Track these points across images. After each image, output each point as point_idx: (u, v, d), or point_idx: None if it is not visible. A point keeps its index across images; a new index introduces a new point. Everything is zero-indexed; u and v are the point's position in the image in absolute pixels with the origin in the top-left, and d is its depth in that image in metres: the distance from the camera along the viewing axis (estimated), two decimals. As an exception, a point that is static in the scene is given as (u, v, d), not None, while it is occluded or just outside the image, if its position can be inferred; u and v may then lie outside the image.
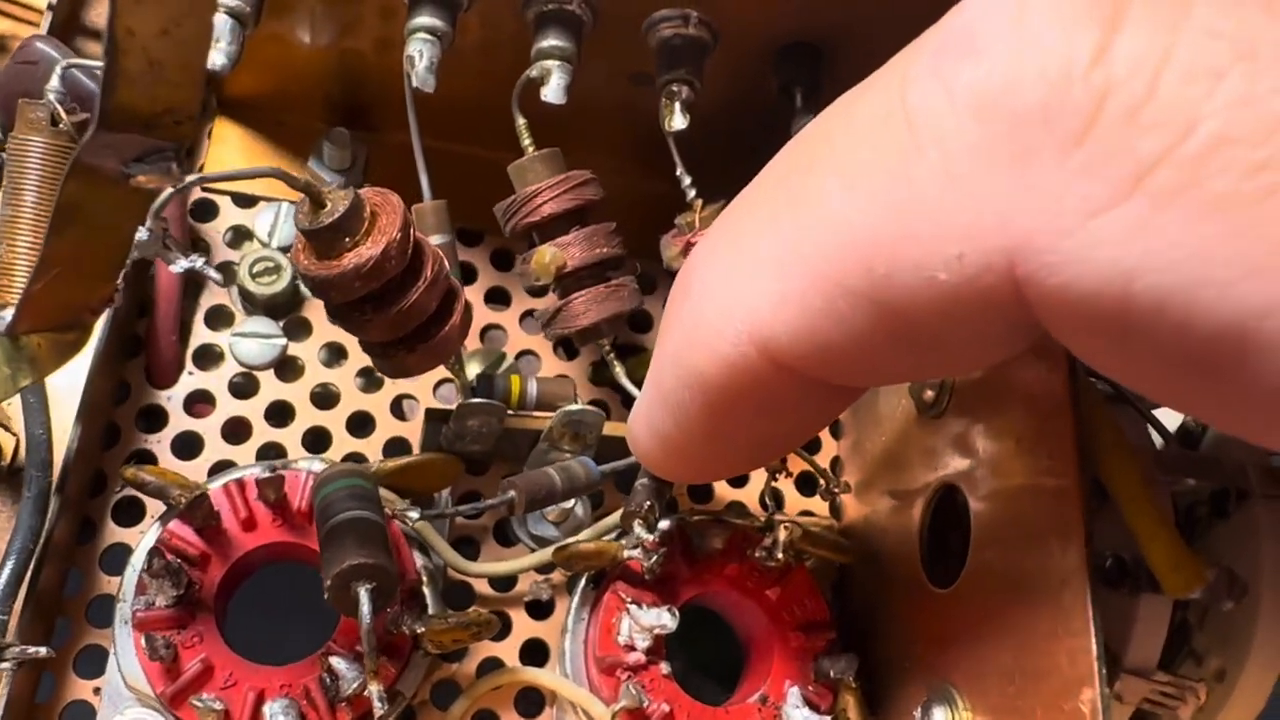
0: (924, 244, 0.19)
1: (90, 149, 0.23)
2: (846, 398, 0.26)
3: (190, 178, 0.27)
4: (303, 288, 0.44)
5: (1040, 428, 0.31)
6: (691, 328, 0.25)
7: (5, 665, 0.30)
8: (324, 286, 0.32)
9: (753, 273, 0.23)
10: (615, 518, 0.40)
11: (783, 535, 0.38)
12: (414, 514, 0.34)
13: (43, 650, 0.31)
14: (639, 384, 0.38)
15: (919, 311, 0.20)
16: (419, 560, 0.38)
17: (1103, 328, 0.18)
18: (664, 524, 0.37)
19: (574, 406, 0.38)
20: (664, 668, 0.38)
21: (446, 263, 0.35)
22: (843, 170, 0.21)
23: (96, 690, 0.37)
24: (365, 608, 0.31)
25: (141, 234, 0.29)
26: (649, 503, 0.37)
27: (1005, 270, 0.19)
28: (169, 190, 0.27)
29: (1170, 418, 0.36)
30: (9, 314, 0.28)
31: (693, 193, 0.40)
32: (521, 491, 0.36)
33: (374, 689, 0.32)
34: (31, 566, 0.34)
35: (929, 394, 0.38)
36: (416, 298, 0.34)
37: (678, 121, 0.38)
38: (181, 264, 0.28)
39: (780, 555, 0.39)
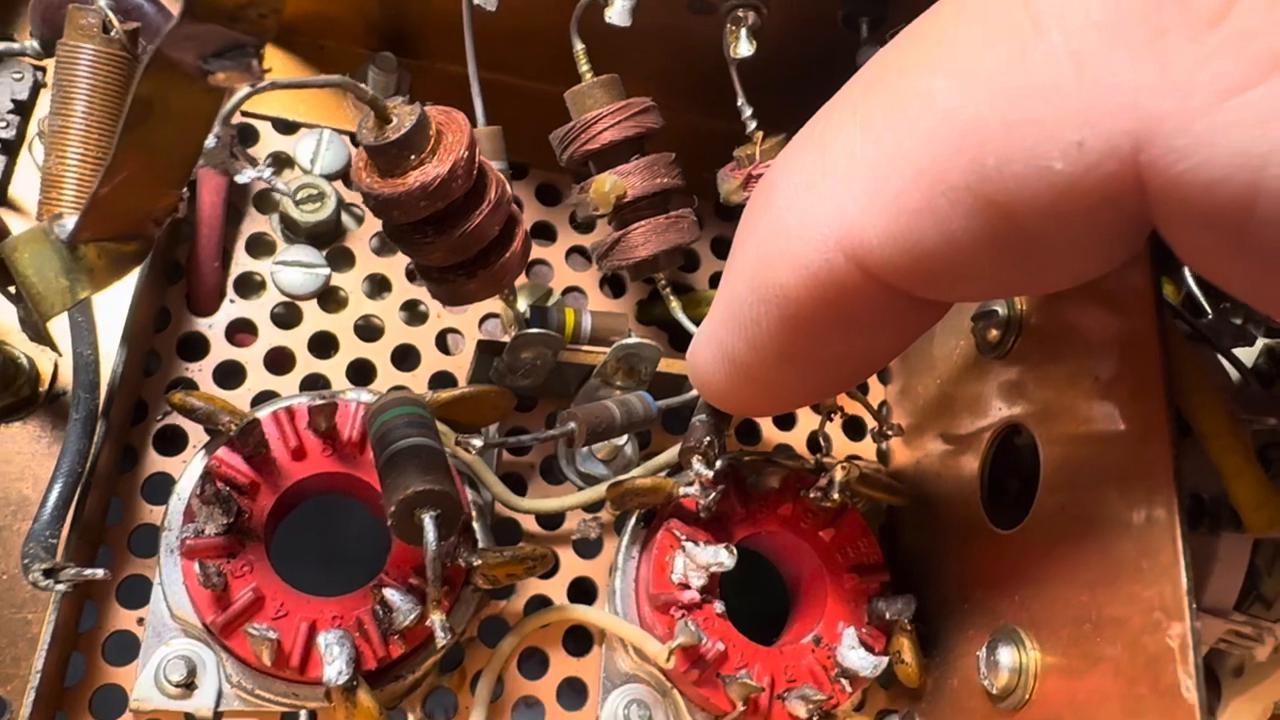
0: (1041, 130, 0.18)
1: (172, 40, 0.22)
2: (928, 317, 0.25)
3: (264, 81, 0.26)
4: (345, 218, 0.43)
5: (1122, 366, 0.31)
6: (772, 237, 0.24)
7: (61, 587, 0.29)
8: (387, 206, 0.31)
9: (844, 175, 0.22)
10: (669, 455, 0.40)
11: (839, 475, 0.38)
12: (477, 441, 0.34)
13: (100, 572, 0.30)
14: (694, 323, 0.37)
15: (1027, 208, 0.19)
16: (469, 495, 0.37)
17: (1224, 220, 0.17)
18: (719, 463, 0.36)
19: (630, 340, 0.37)
20: (718, 606, 0.37)
21: (509, 187, 0.34)
22: (951, 61, 0.20)
23: (140, 621, 0.36)
24: (431, 535, 0.30)
25: (210, 140, 0.28)
26: (709, 438, 0.36)
27: (1128, 156, 0.18)
28: (242, 93, 0.26)
29: (1247, 358, 0.35)
30: (70, 222, 0.27)
31: (753, 124, 0.39)
32: (582, 423, 0.35)
33: (437, 618, 0.31)
34: (78, 492, 0.33)
35: (994, 334, 0.37)
36: (480, 221, 0.33)
37: (743, 48, 0.37)
38: (249, 173, 0.27)
39: (836, 496, 0.38)
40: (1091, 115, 0.18)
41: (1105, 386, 0.31)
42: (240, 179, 0.27)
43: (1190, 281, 0.36)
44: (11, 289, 0.32)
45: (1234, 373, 0.34)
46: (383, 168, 0.31)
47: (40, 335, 0.32)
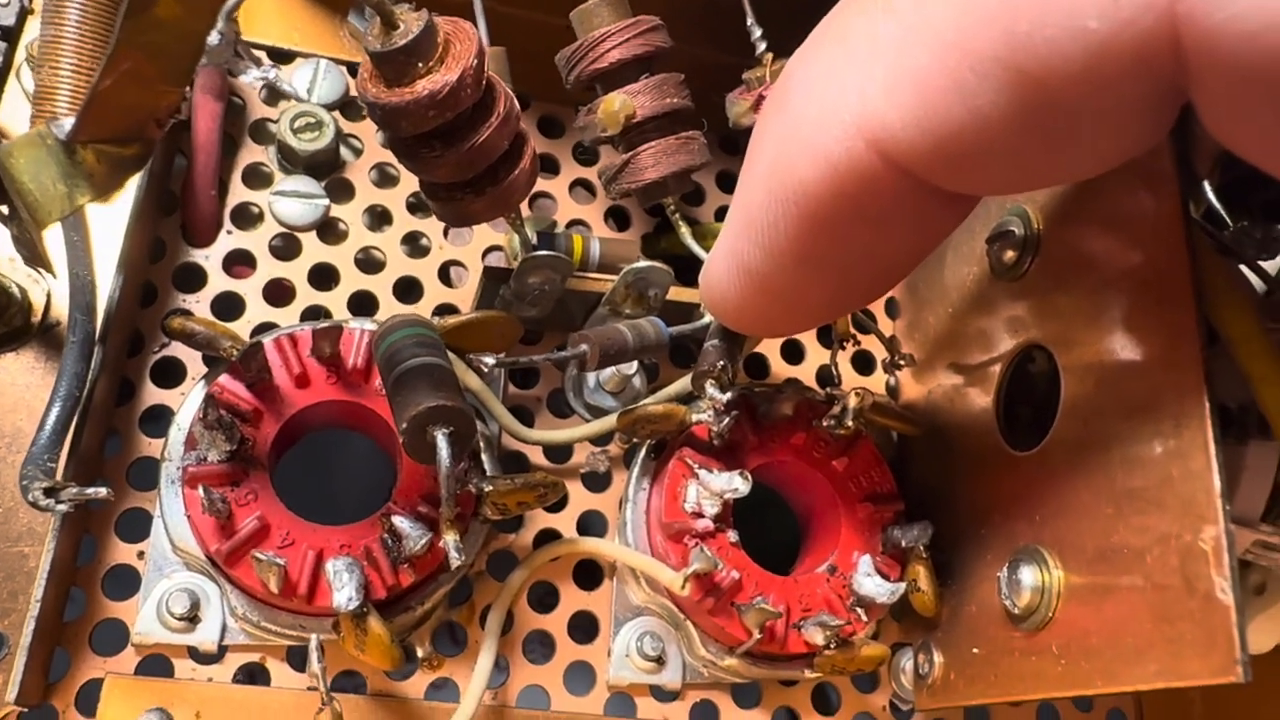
0: None
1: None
2: (950, 214, 0.24)
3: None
4: (344, 150, 0.42)
5: (1146, 273, 0.30)
6: (791, 131, 0.23)
7: (62, 506, 0.28)
8: (395, 116, 0.30)
9: (866, 59, 0.21)
10: (679, 385, 0.39)
11: (853, 402, 0.37)
12: (490, 359, 0.33)
13: (102, 490, 0.29)
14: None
15: (1059, 76, 0.19)
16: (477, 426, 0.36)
17: (1266, 76, 0.17)
18: (730, 393, 0.35)
19: (640, 264, 0.37)
20: (731, 535, 0.37)
21: (518, 103, 0.33)
22: None
23: (140, 555, 0.35)
24: (444, 452, 0.29)
25: (213, 37, 0.27)
26: (722, 362, 0.35)
27: (1165, 8, 0.17)
28: (247, -17, 0.25)
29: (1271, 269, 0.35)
30: (68, 122, 0.26)
31: (763, 45, 0.38)
32: (594, 344, 0.34)
33: (450, 539, 0.30)
34: (75, 417, 0.32)
35: (1010, 255, 0.36)
36: (489, 135, 0.32)
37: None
38: (253, 74, 0.26)
39: (850, 423, 0.37)
40: None
41: (1128, 297, 0.31)
42: (244, 79, 0.26)
43: (1210, 196, 0.35)
44: (3, 209, 0.31)
45: (1258, 284, 0.33)
46: (389, 76, 0.30)
47: (35, 255, 0.31)
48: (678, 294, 0.39)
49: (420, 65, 0.30)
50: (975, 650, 0.36)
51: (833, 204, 0.23)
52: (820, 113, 0.22)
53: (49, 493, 0.28)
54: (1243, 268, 0.34)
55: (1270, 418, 0.29)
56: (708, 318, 0.38)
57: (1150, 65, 0.18)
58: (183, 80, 0.26)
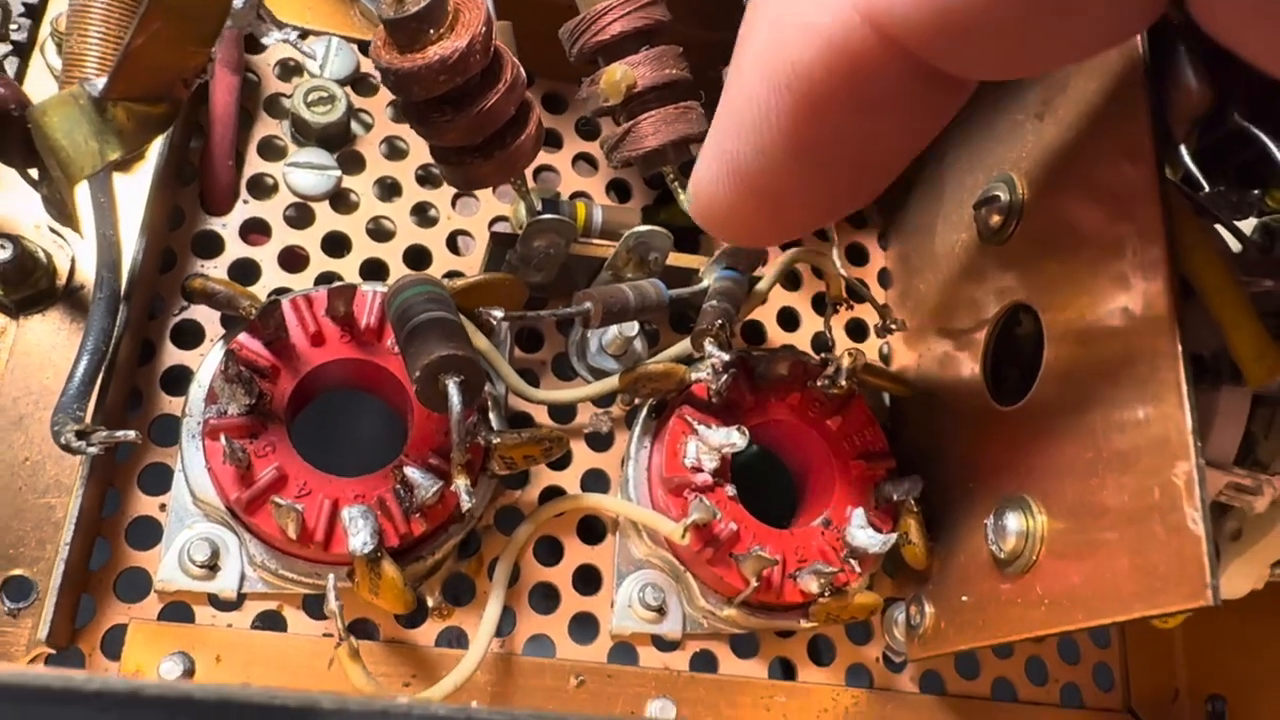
0: None
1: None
2: (947, 102, 0.23)
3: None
4: (354, 125, 0.43)
5: (1122, 227, 0.31)
6: (785, 11, 0.22)
7: (93, 449, 0.30)
8: (407, 81, 0.32)
9: None
10: (679, 347, 0.40)
11: (846, 362, 0.39)
12: (498, 313, 0.34)
13: (131, 434, 0.30)
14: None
15: None
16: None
17: None
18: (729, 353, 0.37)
19: (642, 228, 0.38)
20: (729, 490, 0.38)
21: (524, 72, 0.35)
22: None
23: (162, 507, 0.37)
24: (455, 399, 0.31)
25: (238, 1, 0.29)
26: (720, 321, 0.37)
27: None
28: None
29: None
30: (101, 81, 0.27)
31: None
32: (598, 302, 0.35)
33: (461, 483, 0.32)
34: (102, 371, 0.33)
35: (996, 219, 0.38)
36: (496, 100, 0.34)
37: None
38: (274, 35, 0.28)
39: (844, 382, 0.39)
40: None
41: (1107, 252, 0.32)
42: (266, 40, 0.27)
43: (1187, 160, 0.37)
44: (32, 171, 0.33)
45: (1232, 243, 0.35)
46: (402, 43, 0.32)
47: (65, 214, 0.32)
48: (676, 259, 0.40)
49: (431, 32, 0.31)
50: (964, 598, 0.37)
51: (828, 86, 0.22)
52: None
53: (80, 435, 0.29)
54: (1219, 228, 0.35)
55: (1241, 363, 0.31)
56: (706, 281, 0.40)
57: None
58: (209, 41, 0.27)
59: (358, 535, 0.33)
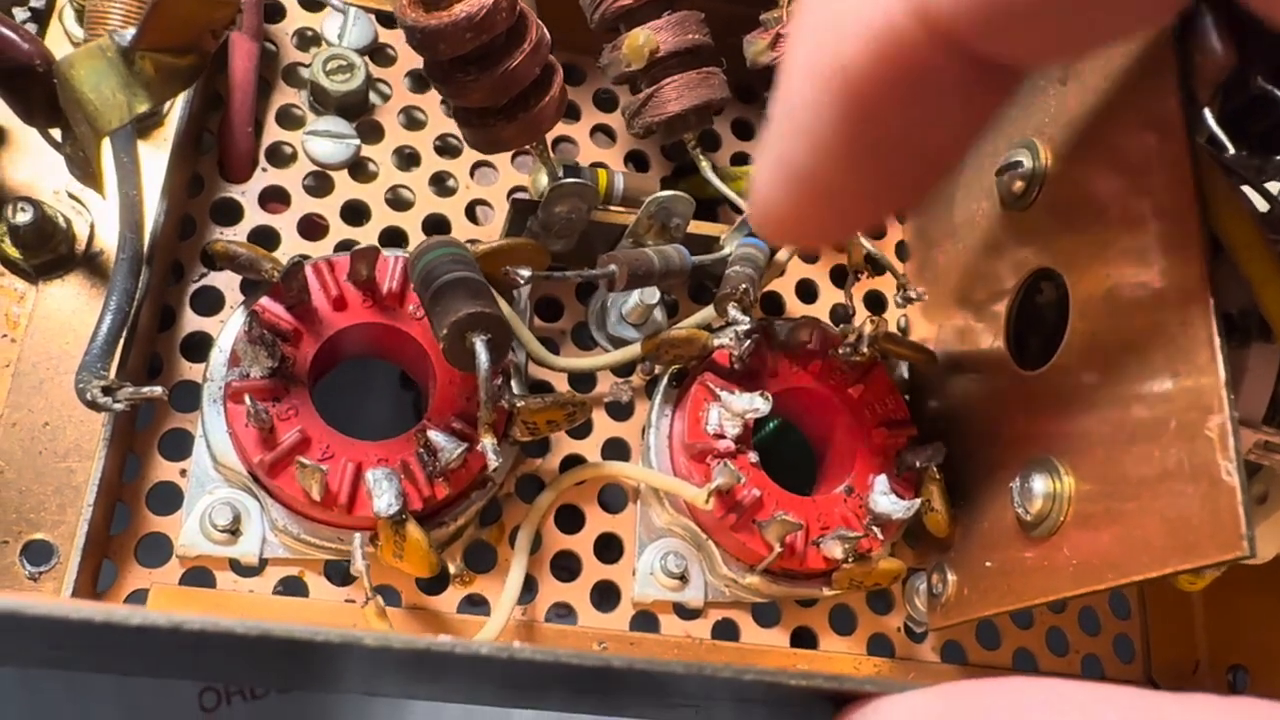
0: None
1: None
2: (996, 90, 0.24)
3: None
4: (372, 95, 0.43)
5: (1149, 186, 0.31)
6: (829, 10, 0.23)
7: (119, 405, 0.29)
8: (433, 38, 0.32)
9: None
10: (702, 314, 0.40)
11: (868, 329, 0.39)
12: (525, 272, 0.34)
13: (157, 389, 0.30)
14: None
15: None
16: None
17: None
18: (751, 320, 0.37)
19: (664, 193, 0.38)
20: (752, 456, 0.38)
21: (548, 34, 0.35)
22: None
23: (183, 473, 0.37)
24: (483, 356, 0.31)
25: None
26: (745, 286, 0.37)
27: None
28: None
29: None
30: (129, 32, 0.27)
31: (780, -13, 0.39)
32: (623, 264, 0.35)
33: (488, 442, 0.32)
34: (125, 332, 0.33)
35: (1018, 185, 0.38)
36: (521, 60, 0.34)
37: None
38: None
39: (865, 349, 0.39)
40: None
41: (1133, 212, 0.32)
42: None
43: (1211, 123, 0.37)
44: (54, 132, 0.33)
45: (1260, 203, 0.35)
46: (427, 1, 0.32)
47: (88, 173, 0.32)
48: (697, 227, 0.40)
49: (456, -11, 0.31)
50: (988, 564, 0.37)
51: (875, 80, 0.22)
52: None
53: (106, 391, 0.29)
54: (1245, 189, 0.35)
55: (1271, 319, 0.31)
56: (728, 249, 0.40)
57: None
58: (236, -8, 0.27)
59: (382, 497, 0.33)
